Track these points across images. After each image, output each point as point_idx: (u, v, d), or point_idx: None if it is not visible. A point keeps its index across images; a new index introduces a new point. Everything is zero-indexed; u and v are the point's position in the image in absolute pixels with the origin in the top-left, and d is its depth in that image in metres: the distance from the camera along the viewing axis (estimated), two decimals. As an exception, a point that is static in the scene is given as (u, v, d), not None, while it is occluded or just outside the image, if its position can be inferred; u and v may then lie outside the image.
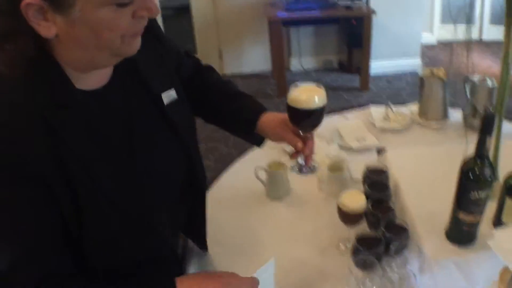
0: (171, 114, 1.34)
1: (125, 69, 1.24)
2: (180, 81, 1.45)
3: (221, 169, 1.99)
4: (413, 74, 5.90)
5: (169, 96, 1.35)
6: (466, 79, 2.12)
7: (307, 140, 1.49)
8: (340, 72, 6.12)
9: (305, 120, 1.48)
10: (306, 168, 1.64)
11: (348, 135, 2.10)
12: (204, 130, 4.25)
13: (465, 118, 2.14)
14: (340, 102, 5.27)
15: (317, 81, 5.29)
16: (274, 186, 1.78)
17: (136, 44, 1.12)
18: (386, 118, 2.25)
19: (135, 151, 1.24)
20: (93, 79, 1.17)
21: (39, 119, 1.02)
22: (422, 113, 2.22)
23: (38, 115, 1.02)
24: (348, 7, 5.27)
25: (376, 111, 2.30)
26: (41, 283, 1.05)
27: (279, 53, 5.42)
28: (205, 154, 4.21)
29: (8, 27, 1.01)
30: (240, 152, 2.07)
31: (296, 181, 1.84)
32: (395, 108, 2.29)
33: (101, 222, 1.14)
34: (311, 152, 1.51)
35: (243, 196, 1.83)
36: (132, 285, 1.16)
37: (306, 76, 6.00)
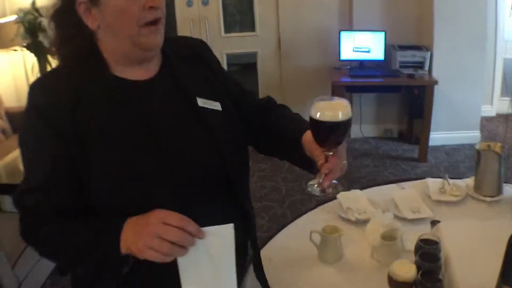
0: (206, 117, 1.50)
1: (167, 74, 1.51)
2: (244, 108, 1.67)
3: (274, 229, 2.02)
4: (472, 146, 5.74)
5: (208, 103, 1.52)
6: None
7: (329, 159, 1.41)
8: (400, 141, 6.12)
9: (325, 135, 1.40)
10: (328, 189, 1.43)
11: (403, 205, 2.12)
12: (261, 189, 4.29)
13: (517, 193, 2.13)
14: (397, 172, 5.28)
15: (376, 149, 5.33)
16: (326, 250, 1.80)
17: (153, 37, 1.38)
18: (442, 190, 2.26)
19: (159, 136, 1.42)
20: (136, 74, 1.45)
21: (71, 89, 1.36)
22: (477, 187, 2.22)
23: (71, 86, 1.37)
24: (410, 76, 5.31)
25: (433, 183, 2.32)
26: (41, 214, 1.35)
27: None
28: (259, 212, 4.22)
29: (70, 32, 1.40)
30: (295, 213, 2.09)
31: (350, 247, 1.86)
32: (451, 181, 2.30)
33: (108, 185, 1.35)
34: (331, 172, 1.40)
35: (295, 257, 1.85)
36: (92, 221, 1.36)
37: (365, 143, 6.04)
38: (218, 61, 1.70)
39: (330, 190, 1.44)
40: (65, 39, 1.42)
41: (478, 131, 5.97)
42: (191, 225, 1.23)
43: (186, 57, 1.58)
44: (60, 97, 1.35)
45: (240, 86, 1.73)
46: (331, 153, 1.41)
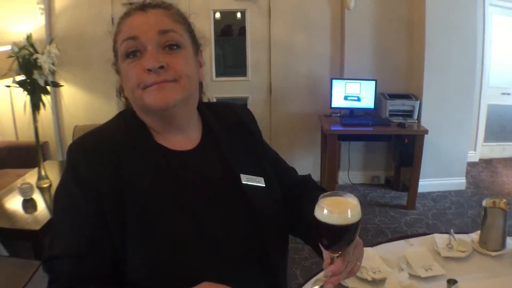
0: (248, 193, 1.43)
1: (210, 145, 1.48)
2: (281, 184, 1.59)
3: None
4: (458, 193, 5.94)
5: (251, 179, 1.47)
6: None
7: (335, 261, 1.25)
8: (387, 188, 6.17)
9: (330, 239, 1.23)
10: None
11: (415, 263, 2.12)
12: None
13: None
14: (387, 220, 5.29)
15: (364, 196, 5.33)
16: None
17: (155, 97, 1.31)
18: (450, 246, 2.28)
19: (199, 209, 1.34)
20: (176, 143, 1.42)
21: (114, 153, 1.31)
22: (483, 241, 2.26)
23: (113, 151, 1.31)
24: (401, 125, 5.36)
25: (440, 239, 2.34)
26: (75, 279, 1.24)
27: (333, 166, 5.47)
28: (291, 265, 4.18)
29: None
30: (305, 273, 2.02)
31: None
32: (457, 236, 2.33)
33: (142, 255, 1.26)
34: (334, 275, 1.25)
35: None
36: None
37: (353, 190, 6.03)
38: (261, 132, 1.67)
39: None
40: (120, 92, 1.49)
41: (464, 178, 6.06)
42: None
43: (232, 127, 1.57)
44: (101, 162, 1.28)
45: (280, 160, 1.71)
46: (337, 255, 1.25)
